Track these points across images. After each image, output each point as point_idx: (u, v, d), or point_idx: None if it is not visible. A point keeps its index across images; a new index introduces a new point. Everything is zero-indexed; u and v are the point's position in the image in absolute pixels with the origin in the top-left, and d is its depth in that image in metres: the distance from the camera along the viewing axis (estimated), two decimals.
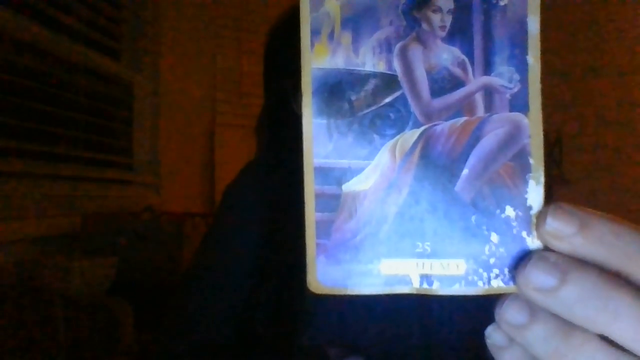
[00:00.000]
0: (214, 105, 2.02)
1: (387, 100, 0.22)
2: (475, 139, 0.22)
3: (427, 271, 0.22)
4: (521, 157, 0.22)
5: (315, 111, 0.22)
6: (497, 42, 0.22)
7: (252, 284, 0.60)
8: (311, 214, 0.22)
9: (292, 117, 0.62)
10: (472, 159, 0.22)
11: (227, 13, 2.05)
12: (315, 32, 0.22)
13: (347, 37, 0.22)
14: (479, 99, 0.22)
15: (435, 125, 0.22)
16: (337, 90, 0.22)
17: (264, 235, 0.61)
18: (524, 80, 0.22)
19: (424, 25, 0.22)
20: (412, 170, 0.22)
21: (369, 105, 0.23)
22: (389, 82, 0.22)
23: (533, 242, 0.21)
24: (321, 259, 0.22)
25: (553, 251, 0.20)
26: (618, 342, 0.19)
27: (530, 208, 0.21)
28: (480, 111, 0.22)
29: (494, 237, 0.22)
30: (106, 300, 1.20)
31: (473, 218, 0.22)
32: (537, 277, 0.20)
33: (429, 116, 0.22)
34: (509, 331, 0.21)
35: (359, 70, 0.22)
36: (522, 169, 0.22)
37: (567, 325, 0.20)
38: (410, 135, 0.22)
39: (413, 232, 0.22)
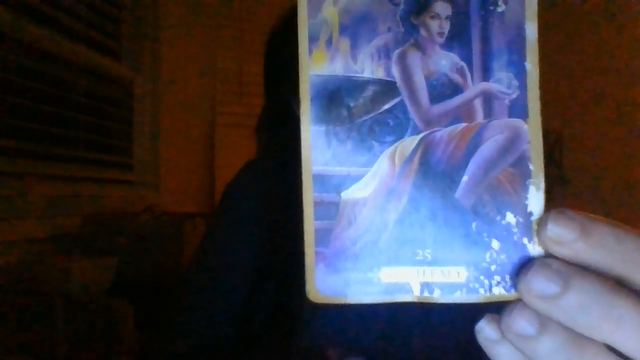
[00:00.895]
0: (214, 105, 2.02)
1: (386, 106, 0.22)
2: (475, 145, 0.22)
3: (427, 279, 0.22)
4: (521, 163, 0.22)
5: (314, 118, 0.22)
6: (496, 48, 0.22)
7: (251, 284, 0.60)
8: (310, 222, 0.22)
9: (293, 118, 0.62)
10: (472, 166, 0.22)
11: (227, 13, 2.05)
12: (313, 39, 0.22)
13: (345, 44, 0.22)
14: (478, 105, 0.22)
15: (434, 131, 0.22)
16: (336, 97, 0.22)
17: (264, 235, 0.61)
18: (522, 86, 0.22)
19: (422, 32, 0.22)
20: (411, 177, 0.22)
21: (367, 112, 0.22)
22: (387, 88, 0.22)
23: (534, 249, 0.21)
24: (320, 268, 0.22)
25: (555, 258, 0.20)
26: (621, 350, 0.19)
27: (530, 214, 0.21)
28: (480, 117, 0.22)
29: (495, 244, 0.22)
30: (106, 300, 1.20)
31: (473, 225, 0.22)
32: (539, 284, 0.19)
33: (428, 123, 0.22)
34: (516, 342, 0.20)
35: (358, 77, 0.22)
36: (522, 175, 0.22)
37: (577, 337, 0.19)
38: (410, 142, 0.22)
39: (413, 239, 0.22)
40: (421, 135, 0.22)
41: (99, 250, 1.32)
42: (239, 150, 1.81)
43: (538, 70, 0.22)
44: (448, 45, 0.22)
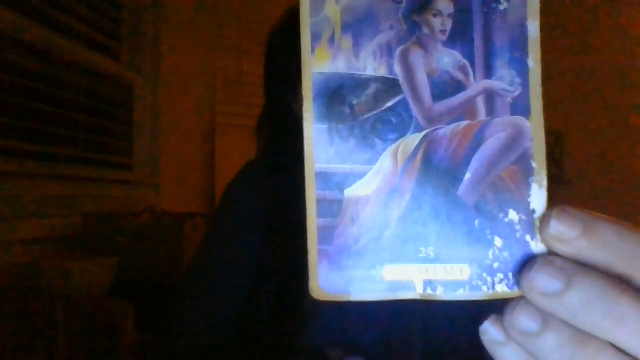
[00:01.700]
0: (214, 105, 2.02)
1: (389, 104, 0.22)
2: (477, 142, 0.22)
3: (430, 276, 0.22)
4: (523, 161, 0.22)
5: (316, 116, 0.22)
6: (498, 46, 0.22)
7: (252, 284, 0.60)
8: (313, 220, 0.22)
9: (293, 118, 0.62)
10: (475, 163, 0.22)
11: (228, 13, 2.05)
12: (315, 37, 0.22)
13: (347, 41, 0.22)
14: (480, 102, 0.22)
15: (436, 129, 0.22)
16: (338, 94, 0.22)
17: (264, 235, 0.61)
18: (524, 84, 0.22)
19: (425, 29, 0.22)
20: (414, 175, 0.22)
21: (370, 110, 0.22)
22: (390, 86, 0.22)
23: (537, 246, 0.21)
24: (323, 265, 0.22)
25: (557, 255, 0.20)
26: (624, 348, 0.19)
27: (533, 211, 0.21)
28: (482, 115, 0.22)
29: (498, 241, 0.22)
30: (106, 300, 1.20)
31: (476, 222, 0.22)
32: (542, 281, 0.19)
33: (430, 120, 0.22)
34: (519, 339, 0.20)
35: (360, 75, 0.22)
36: (525, 172, 0.22)
37: (580, 334, 0.19)
38: (412, 140, 0.22)
39: (416, 236, 0.22)
40: (424, 132, 0.22)
41: (99, 250, 1.32)
42: (239, 150, 1.81)
43: (540, 68, 0.22)
44: (450, 42, 0.22)
